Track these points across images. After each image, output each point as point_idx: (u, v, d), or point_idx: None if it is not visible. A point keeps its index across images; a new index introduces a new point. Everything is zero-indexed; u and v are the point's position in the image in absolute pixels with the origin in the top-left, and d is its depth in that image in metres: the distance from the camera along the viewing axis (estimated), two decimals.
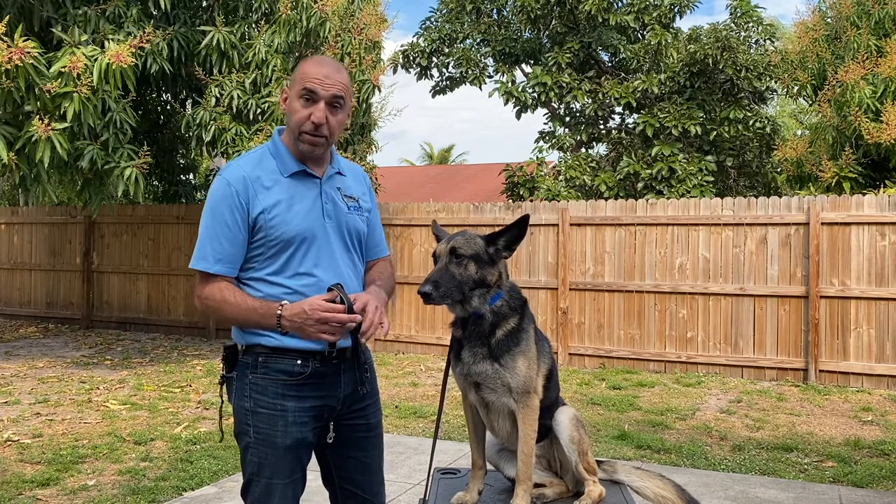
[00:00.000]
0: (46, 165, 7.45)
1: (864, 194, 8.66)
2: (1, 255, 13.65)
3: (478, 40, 15.75)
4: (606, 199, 10.70)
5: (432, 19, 16.12)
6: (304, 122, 2.23)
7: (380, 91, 14.07)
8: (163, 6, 8.46)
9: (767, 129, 13.19)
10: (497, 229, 2.38)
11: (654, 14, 13.82)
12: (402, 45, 17.84)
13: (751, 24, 13.77)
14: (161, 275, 11.96)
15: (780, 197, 8.81)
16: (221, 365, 2.35)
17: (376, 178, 11.00)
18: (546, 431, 2.40)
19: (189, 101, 11.01)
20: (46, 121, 7.32)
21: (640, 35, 14.73)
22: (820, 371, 8.24)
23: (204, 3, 9.78)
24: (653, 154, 12.59)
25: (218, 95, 8.98)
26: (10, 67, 6.97)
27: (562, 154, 14.55)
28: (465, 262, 2.25)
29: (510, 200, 13.18)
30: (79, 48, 7.50)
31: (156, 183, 13.11)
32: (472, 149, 59.29)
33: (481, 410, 2.39)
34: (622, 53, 14.49)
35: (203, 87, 9.40)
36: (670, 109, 12.88)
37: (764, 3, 42.70)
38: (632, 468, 2.61)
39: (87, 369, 8.82)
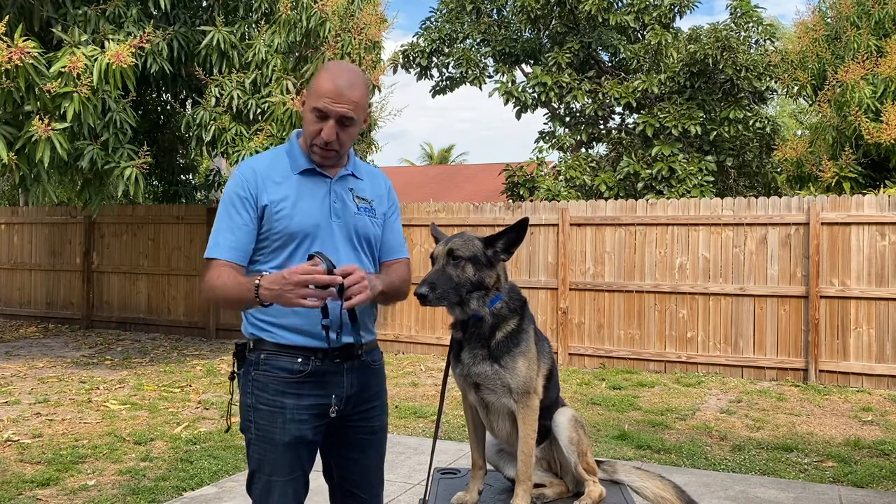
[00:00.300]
0: (46, 165, 7.45)
1: (864, 194, 8.66)
2: (1, 255, 13.65)
3: (478, 40, 15.75)
4: (606, 199, 10.70)
5: (432, 19, 16.12)
6: (316, 137, 2.28)
7: (380, 91, 14.10)
8: (163, 6, 8.46)
9: (767, 129, 13.19)
10: (497, 230, 2.37)
11: (654, 14, 13.82)
12: (402, 45, 17.85)
13: (751, 24, 13.77)
14: (161, 275, 11.97)
15: (780, 197, 8.81)
16: (233, 361, 2.40)
17: None
18: (546, 432, 2.40)
19: (189, 101, 11.00)
20: (46, 121, 7.32)
21: (640, 35, 14.73)
22: (820, 371, 8.24)
23: (204, 3, 9.78)
24: (653, 154, 12.59)
25: (218, 95, 8.98)
26: (10, 67, 6.97)
27: (562, 154, 14.55)
28: (463, 264, 2.24)
29: (510, 200, 13.18)
30: (79, 48, 7.50)
31: (156, 183, 13.10)
32: (472, 149, 59.35)
33: (481, 411, 2.38)
34: (622, 53, 14.50)
35: (203, 87, 9.39)
36: (670, 109, 12.88)
37: (764, 3, 42.71)
38: (632, 468, 2.61)
39: (87, 369, 8.82)
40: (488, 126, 69.82)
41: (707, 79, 13.18)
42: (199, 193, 13.50)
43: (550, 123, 14.75)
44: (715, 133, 13.00)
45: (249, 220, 2.27)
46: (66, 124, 7.41)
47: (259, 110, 8.90)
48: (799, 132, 20.78)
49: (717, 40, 12.74)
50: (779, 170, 12.91)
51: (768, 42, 13.96)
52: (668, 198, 10.87)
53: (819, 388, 7.98)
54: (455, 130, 72.63)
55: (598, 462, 2.51)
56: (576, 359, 9.37)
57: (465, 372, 2.30)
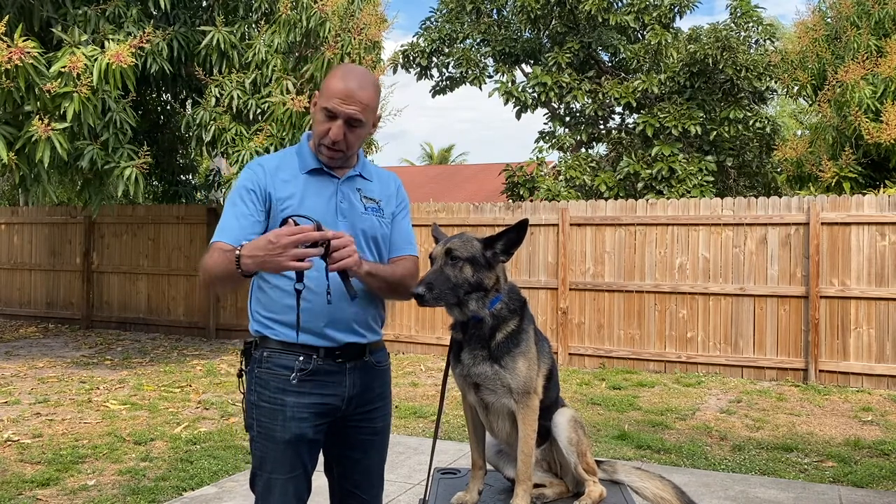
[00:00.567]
0: (46, 165, 7.45)
1: (864, 194, 8.66)
2: (1, 255, 13.65)
3: (478, 40, 15.75)
4: (606, 199, 10.70)
5: (432, 19, 16.12)
6: (324, 137, 2.30)
7: (379, 92, 14.10)
8: (163, 6, 8.45)
9: (767, 129, 13.19)
10: (498, 230, 2.36)
11: (654, 14, 13.82)
12: (402, 45, 17.86)
13: (751, 24, 13.77)
14: (161, 275, 11.96)
15: (780, 197, 8.81)
16: (241, 359, 2.42)
17: None
18: (546, 433, 2.40)
19: (189, 101, 11.00)
20: (46, 121, 7.32)
21: (640, 35, 14.73)
22: (820, 371, 8.24)
23: (204, 3, 9.78)
24: (653, 154, 12.59)
25: (218, 95, 8.98)
26: (10, 67, 6.97)
27: (562, 154, 14.55)
28: (461, 265, 2.23)
29: (510, 200, 13.18)
30: (79, 48, 7.50)
31: (156, 183, 13.10)
32: (472, 149, 59.38)
33: (480, 411, 2.38)
34: (622, 53, 14.50)
35: (203, 87, 9.39)
36: (670, 109, 12.88)
37: (764, 3, 42.71)
38: (632, 468, 2.61)
39: (87, 369, 8.82)
40: (488, 126, 69.86)
41: (707, 79, 13.18)
42: (199, 193, 13.50)
43: (550, 123, 14.75)
44: (715, 133, 13.00)
45: (255, 211, 2.28)
46: (66, 124, 7.41)
47: (259, 110, 8.90)
48: (799, 132, 20.79)
49: (717, 40, 12.74)
50: (779, 170, 12.91)
51: (768, 42, 13.96)
52: (668, 198, 10.88)
53: (819, 388, 7.98)
54: (455, 130, 72.68)
55: (598, 462, 2.51)
56: (576, 359, 9.37)
57: (464, 372, 2.30)
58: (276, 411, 2.28)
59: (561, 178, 13.06)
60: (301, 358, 2.27)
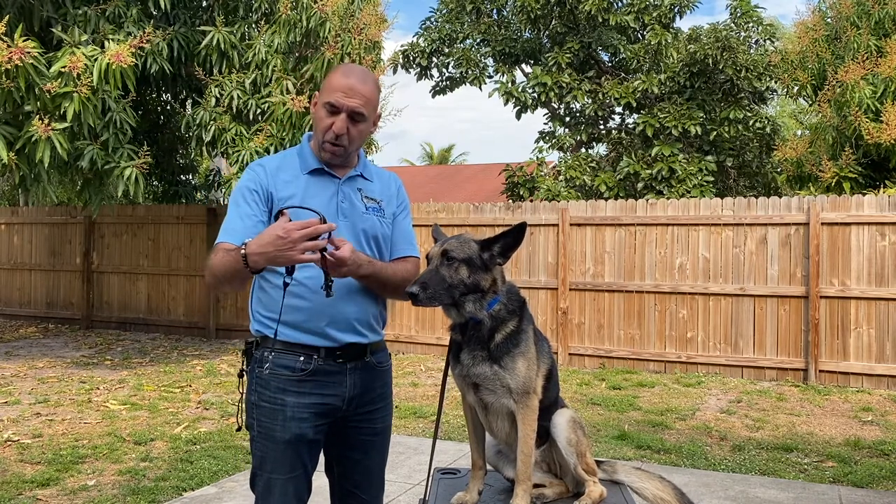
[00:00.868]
0: (46, 165, 7.45)
1: (864, 194, 8.66)
2: (1, 255, 13.65)
3: (478, 40, 15.75)
4: (606, 199, 10.70)
5: (432, 19, 16.13)
6: (327, 132, 2.30)
7: (380, 91, 14.10)
8: (163, 6, 8.46)
9: (767, 130, 13.19)
10: (498, 230, 2.35)
11: (654, 14, 13.83)
12: (402, 45, 17.86)
13: (751, 25, 13.78)
14: (161, 275, 11.96)
15: (780, 197, 8.81)
16: (242, 359, 2.42)
17: None
18: (545, 433, 2.40)
19: (189, 101, 11.00)
20: (46, 121, 7.32)
21: (640, 35, 14.73)
22: (820, 371, 8.24)
23: (204, 3, 9.78)
24: (653, 154, 12.59)
25: (218, 95, 8.98)
26: (10, 67, 6.97)
27: (562, 154, 14.56)
28: (457, 266, 2.22)
29: (510, 200, 13.18)
30: (79, 48, 7.50)
31: (156, 183, 13.11)
32: (472, 149, 59.40)
33: (480, 411, 2.38)
34: (622, 53, 14.50)
35: (203, 87, 9.39)
36: (670, 109, 12.88)
37: (764, 3, 42.69)
38: (632, 468, 2.61)
39: (87, 369, 8.82)
40: (488, 126, 69.88)
41: (707, 79, 13.18)
42: (199, 193, 13.50)
43: (550, 123, 14.75)
44: (715, 133, 13.00)
45: (259, 210, 2.29)
46: (66, 124, 7.41)
47: (259, 110, 8.90)
48: (799, 132, 20.79)
49: (717, 40, 12.74)
50: (779, 170, 12.91)
51: (768, 42, 13.97)
52: (668, 198, 10.88)
53: (819, 389, 7.98)
54: (455, 130, 72.71)
55: (598, 462, 2.51)
56: (576, 359, 9.37)
57: (464, 373, 2.30)
58: (277, 411, 2.28)
59: (561, 178, 13.06)
60: (302, 358, 2.27)
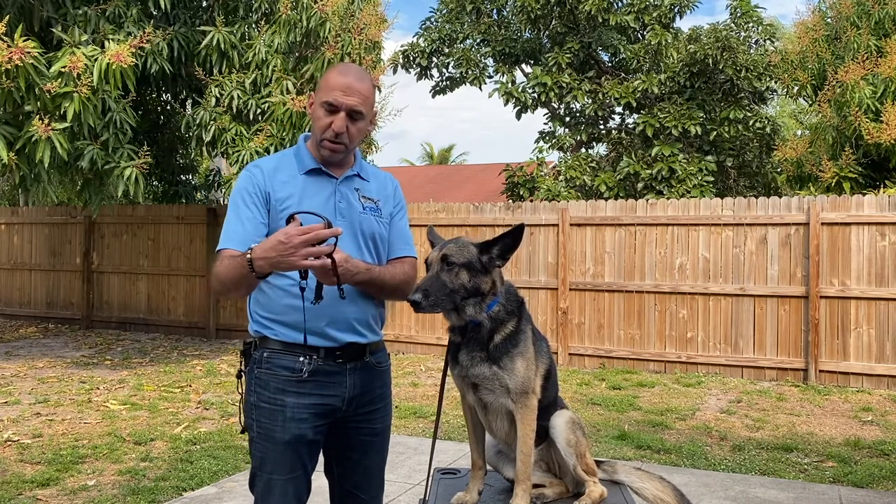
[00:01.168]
0: (46, 165, 7.45)
1: (864, 194, 8.66)
2: (1, 255, 13.65)
3: (478, 40, 15.76)
4: (606, 199, 10.70)
5: (432, 19, 16.13)
6: (326, 130, 2.30)
7: (380, 91, 14.09)
8: (163, 6, 8.45)
9: (767, 129, 13.20)
10: (497, 230, 2.36)
11: (654, 14, 13.83)
12: (402, 46, 17.86)
13: (751, 25, 13.78)
14: (161, 275, 11.96)
15: (780, 197, 8.81)
16: (240, 359, 2.41)
17: None
18: (544, 433, 2.40)
19: (189, 101, 11.00)
20: (46, 121, 7.32)
21: (640, 35, 14.73)
22: (820, 371, 8.23)
23: (204, 3, 9.78)
24: (653, 154, 12.59)
25: (218, 95, 8.98)
26: (10, 67, 6.97)
27: (562, 154, 14.56)
28: (457, 270, 2.22)
29: (510, 200, 13.18)
30: (79, 48, 7.50)
31: (156, 183, 13.10)
32: (472, 149, 59.42)
33: (479, 411, 2.38)
34: (622, 53, 14.50)
35: (203, 87, 9.39)
36: (670, 109, 12.88)
37: (764, 3, 42.72)
38: (632, 469, 2.61)
39: (87, 369, 8.82)
40: (488, 126, 69.89)
41: (707, 79, 13.18)
42: (199, 193, 13.50)
43: (550, 123, 14.76)
44: (715, 133, 13.00)
45: (258, 213, 2.29)
46: (66, 124, 7.41)
47: (259, 110, 8.90)
48: (799, 132, 20.79)
49: (717, 40, 12.75)
50: (779, 170, 12.92)
51: (768, 42, 13.97)
52: (668, 198, 10.88)
53: (819, 389, 7.98)
54: (455, 130, 72.72)
55: (598, 462, 2.51)
56: (576, 359, 9.37)
57: (463, 373, 2.30)
58: (276, 412, 2.27)
59: (561, 178, 13.06)
60: (301, 359, 2.27)
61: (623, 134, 14.06)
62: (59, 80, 7.35)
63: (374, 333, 2.41)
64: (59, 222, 12.97)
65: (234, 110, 8.93)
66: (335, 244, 2.09)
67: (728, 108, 13.07)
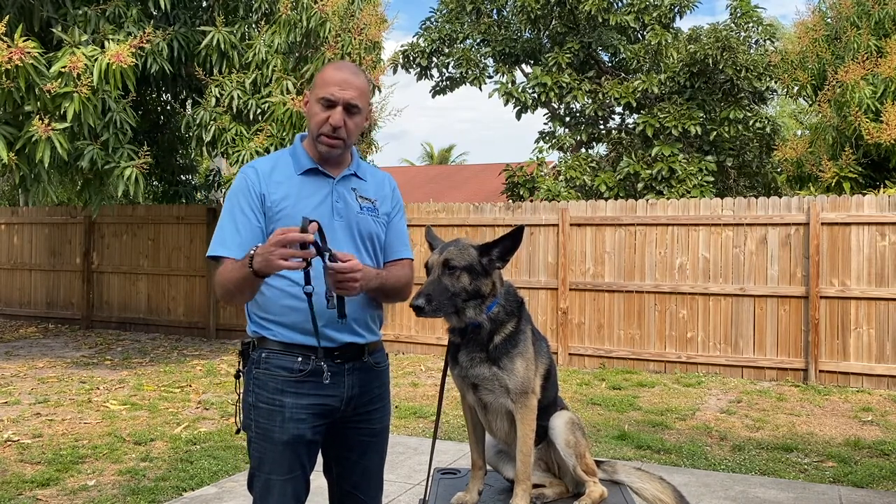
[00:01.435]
0: (46, 165, 7.45)
1: (864, 194, 8.66)
2: (1, 255, 13.65)
3: (478, 40, 15.76)
4: (606, 199, 10.69)
5: (432, 19, 16.13)
6: (323, 125, 2.30)
7: (380, 91, 14.10)
8: (163, 6, 8.45)
9: (767, 130, 13.19)
10: (498, 230, 2.37)
11: (654, 14, 13.83)
12: (402, 46, 17.85)
13: (751, 25, 13.78)
14: (161, 275, 11.96)
15: (780, 197, 8.81)
16: (238, 360, 2.41)
17: None
18: (544, 433, 2.40)
19: (189, 101, 11.00)
20: (46, 121, 7.32)
21: (640, 35, 14.74)
22: (820, 371, 8.23)
23: (204, 3, 9.78)
24: (653, 154, 12.59)
25: (218, 95, 8.98)
26: (10, 67, 6.97)
27: (562, 154, 14.56)
28: (458, 274, 2.22)
29: (510, 200, 13.18)
30: (79, 48, 7.50)
31: (156, 183, 13.10)
32: (472, 149, 59.39)
33: (479, 411, 2.38)
34: (622, 53, 14.50)
35: (203, 87, 9.39)
36: (670, 109, 12.88)
37: (764, 3, 42.73)
38: (632, 469, 2.61)
39: (87, 369, 8.82)
40: (488, 126, 69.88)
41: (707, 79, 13.18)
42: (199, 193, 13.49)
43: (550, 123, 14.75)
44: (715, 133, 13.00)
45: (254, 217, 2.29)
46: (66, 124, 7.41)
47: (259, 110, 8.90)
48: (799, 132, 20.79)
49: (717, 40, 12.74)
50: (779, 170, 12.92)
51: (768, 42, 13.97)
52: (668, 198, 10.87)
53: (819, 389, 7.98)
54: (455, 130, 72.70)
55: (598, 462, 2.51)
56: (576, 359, 9.37)
57: (462, 373, 2.30)
58: (275, 412, 2.27)
59: (561, 178, 13.06)
60: (300, 358, 2.27)
61: (623, 134, 14.06)
62: (59, 80, 7.35)
63: (373, 334, 2.41)
64: (59, 222, 12.97)
65: (234, 110, 8.93)
66: (319, 242, 2.07)
67: (728, 108, 13.07)
